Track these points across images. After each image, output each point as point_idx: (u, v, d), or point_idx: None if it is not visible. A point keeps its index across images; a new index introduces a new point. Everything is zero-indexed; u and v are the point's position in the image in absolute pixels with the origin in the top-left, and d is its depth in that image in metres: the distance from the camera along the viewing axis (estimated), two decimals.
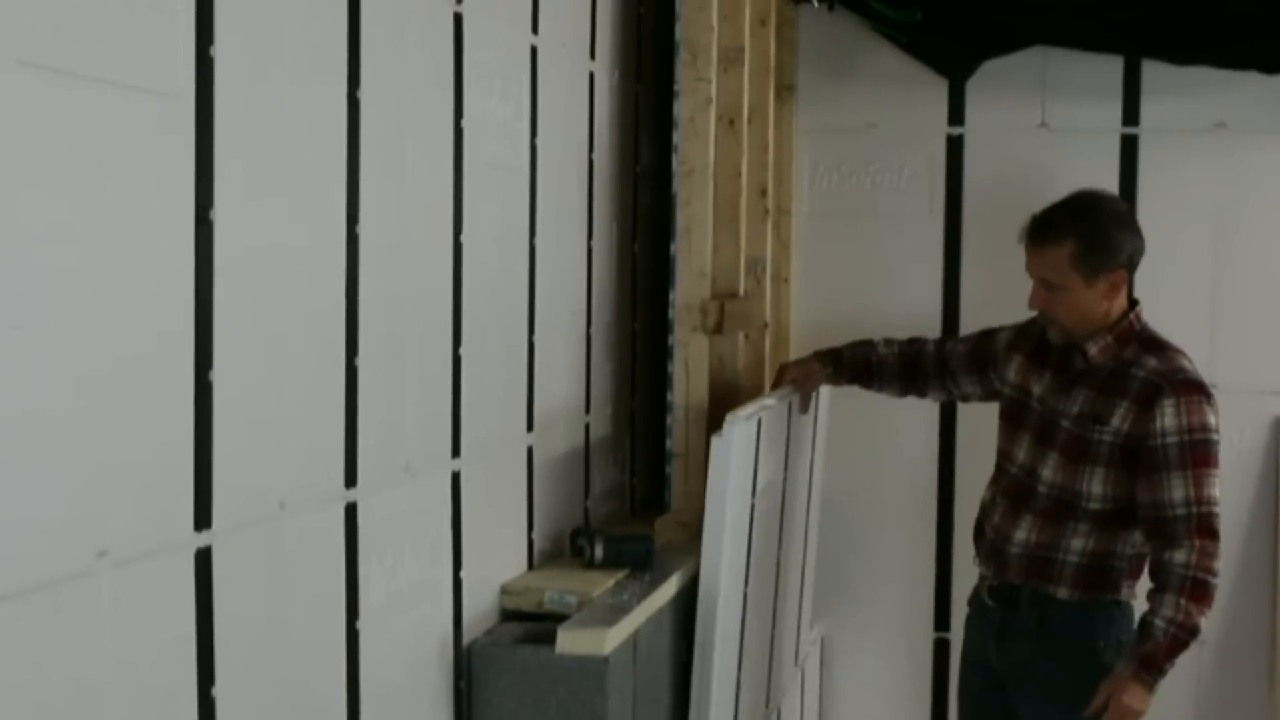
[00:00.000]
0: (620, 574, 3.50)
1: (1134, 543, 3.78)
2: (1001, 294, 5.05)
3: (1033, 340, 3.94)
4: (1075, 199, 3.82)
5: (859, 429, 5.14)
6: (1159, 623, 3.59)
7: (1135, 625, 3.72)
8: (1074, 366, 3.81)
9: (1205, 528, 3.64)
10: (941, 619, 5.16)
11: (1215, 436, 3.69)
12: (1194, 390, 3.68)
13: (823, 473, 5.03)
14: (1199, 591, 3.61)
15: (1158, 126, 4.96)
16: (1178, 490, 3.64)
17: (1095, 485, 3.74)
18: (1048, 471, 3.80)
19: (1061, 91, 5.00)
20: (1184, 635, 3.61)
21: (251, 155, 2.31)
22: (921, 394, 4.32)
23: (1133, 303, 3.83)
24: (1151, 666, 3.60)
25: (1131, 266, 3.80)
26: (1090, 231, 3.73)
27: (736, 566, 3.90)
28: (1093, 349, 3.76)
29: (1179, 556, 3.61)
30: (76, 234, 1.93)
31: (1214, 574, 3.64)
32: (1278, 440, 4.95)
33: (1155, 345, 3.77)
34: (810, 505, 4.89)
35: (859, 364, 4.26)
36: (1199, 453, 3.66)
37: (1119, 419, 3.69)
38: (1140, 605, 3.71)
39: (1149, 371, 3.70)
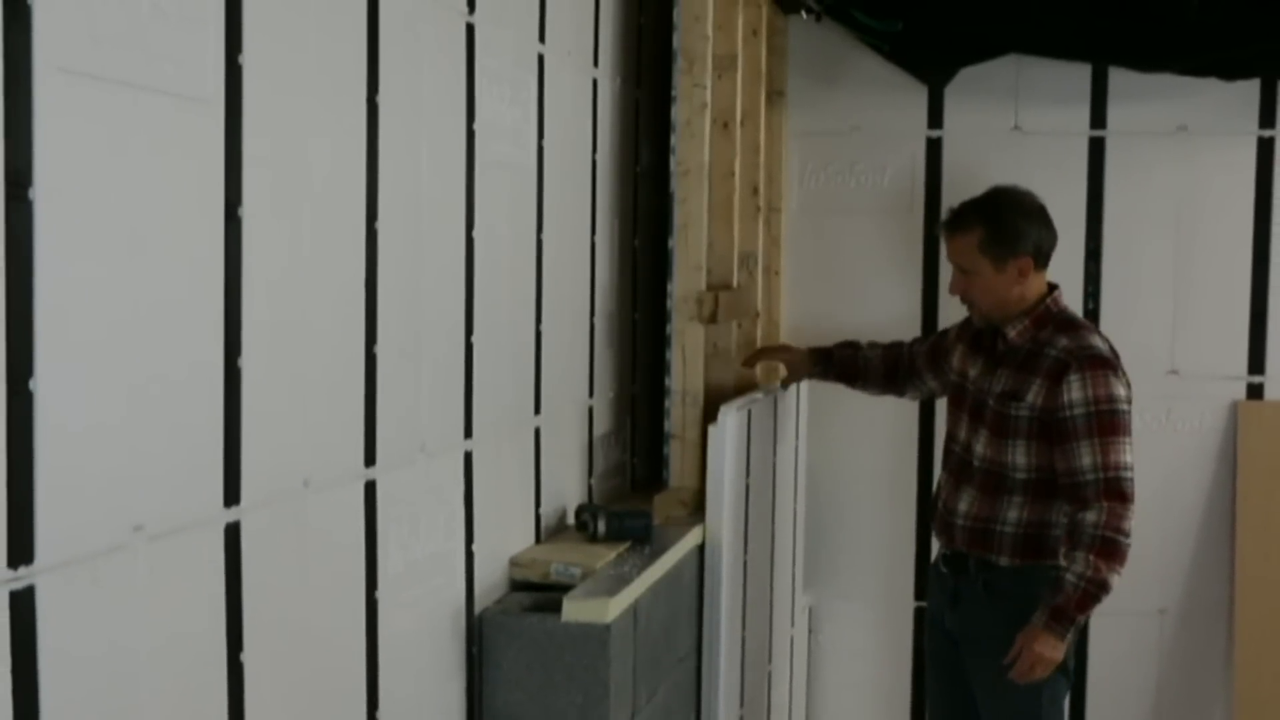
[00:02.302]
0: (621, 547, 3.50)
1: (1066, 511, 3.80)
2: None
3: (972, 330, 4.06)
4: (987, 193, 3.99)
5: (844, 415, 5.14)
6: (1070, 578, 3.67)
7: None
8: (998, 349, 3.92)
9: (1114, 491, 3.72)
10: (921, 588, 5.16)
11: (1122, 406, 3.77)
12: (1099, 365, 3.77)
13: (807, 456, 5.05)
14: (1108, 549, 3.68)
15: (1123, 129, 4.96)
16: (1086, 457, 3.72)
17: (1019, 457, 3.83)
18: (979, 447, 3.91)
19: (1033, 97, 5.00)
20: (1093, 590, 3.69)
21: (277, 156, 2.30)
22: (900, 393, 4.48)
23: (1051, 287, 3.92)
24: (1062, 618, 3.70)
25: (1038, 254, 3.91)
26: (995, 221, 3.89)
27: (736, 537, 3.93)
28: (1011, 332, 3.88)
29: (1089, 517, 3.69)
30: (113, 229, 1.92)
31: (1123, 533, 3.71)
32: (1234, 422, 4.95)
33: (1069, 326, 3.88)
34: (797, 485, 4.91)
35: (846, 364, 4.46)
36: (1105, 422, 3.74)
37: (1033, 395, 3.79)
38: None
39: (1059, 350, 3.80)
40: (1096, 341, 3.84)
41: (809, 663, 5.21)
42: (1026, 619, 3.74)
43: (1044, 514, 3.83)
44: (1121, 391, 3.77)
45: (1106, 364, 3.78)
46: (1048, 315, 3.88)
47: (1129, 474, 3.74)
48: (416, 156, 2.80)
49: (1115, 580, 3.71)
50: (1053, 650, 3.71)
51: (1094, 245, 4.98)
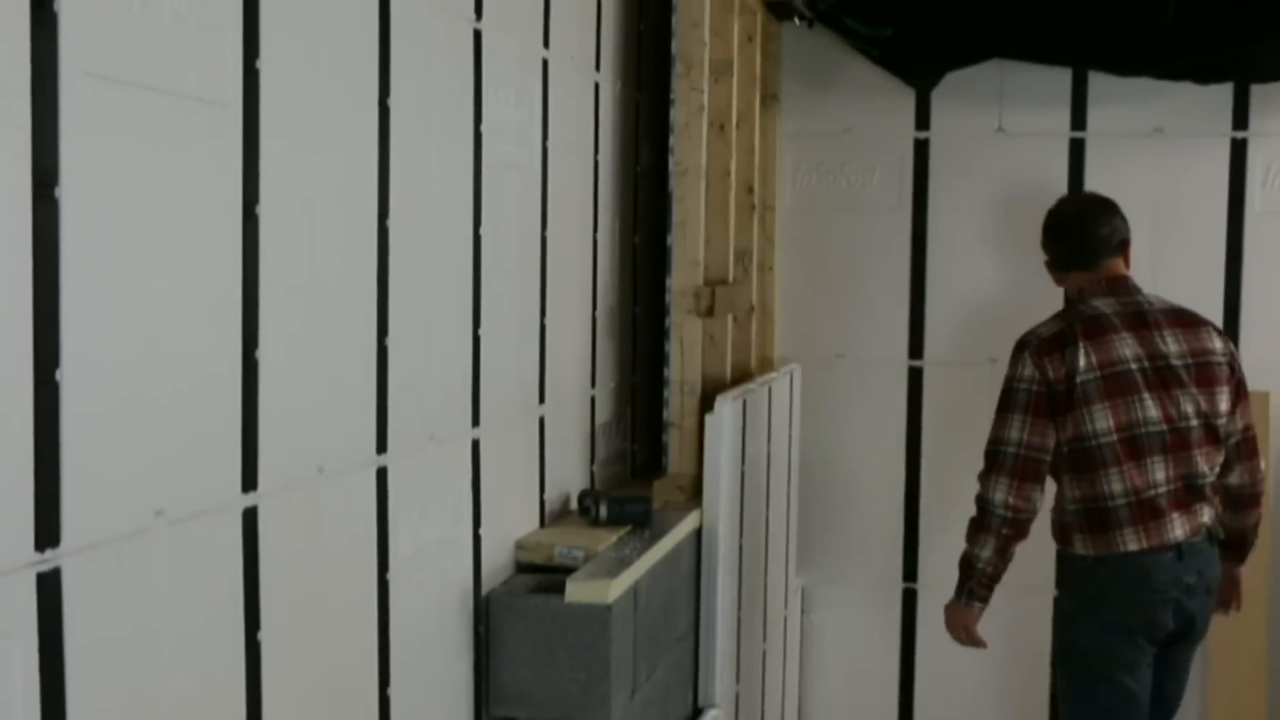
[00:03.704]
0: (622, 531, 3.50)
1: (1071, 497, 3.78)
2: (963, 281, 5.07)
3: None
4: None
5: (836, 405, 5.15)
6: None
7: (1099, 579, 3.75)
8: None
9: (988, 463, 3.82)
10: (909, 571, 5.17)
11: (1020, 385, 3.80)
12: (1015, 349, 3.87)
13: (800, 444, 5.05)
14: (972, 522, 3.84)
15: (1102, 131, 4.96)
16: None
17: None
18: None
19: (1016, 100, 4.99)
20: (962, 561, 3.87)
21: (293, 156, 2.30)
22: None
23: (1080, 291, 3.94)
24: (957, 588, 3.93)
25: (1058, 264, 4.03)
26: (1042, 233, 4.07)
27: (732, 521, 3.93)
28: None
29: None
30: (135, 227, 1.92)
31: (985, 504, 3.81)
32: None
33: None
34: (791, 472, 4.91)
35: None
36: (1003, 398, 3.84)
37: None
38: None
39: None
40: (1041, 327, 3.87)
41: (802, 642, 5.21)
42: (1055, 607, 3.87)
43: (1058, 499, 3.87)
44: (1024, 370, 3.79)
45: (1020, 347, 3.85)
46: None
47: (1006, 448, 3.78)
48: (426, 157, 2.80)
49: (982, 552, 3.83)
50: (954, 613, 3.99)
51: None
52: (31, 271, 1.73)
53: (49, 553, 1.77)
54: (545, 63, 3.47)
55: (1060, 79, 4.95)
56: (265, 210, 2.21)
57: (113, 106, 1.86)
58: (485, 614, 3.08)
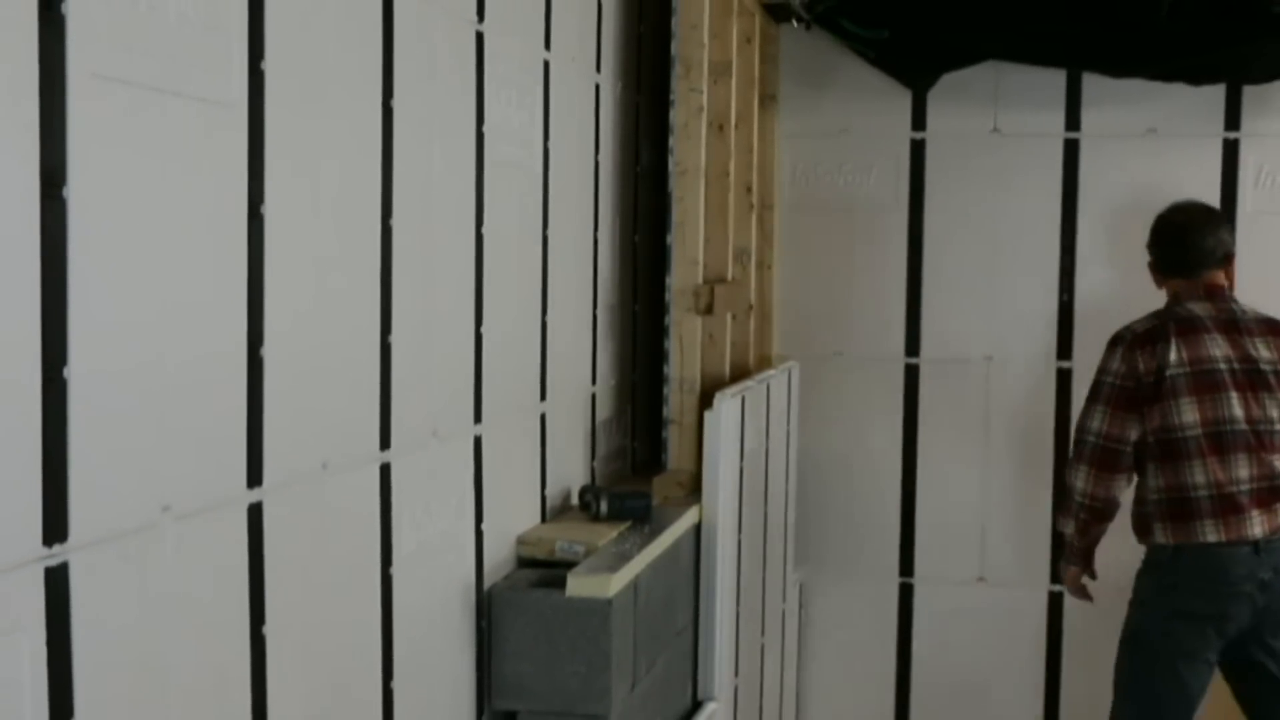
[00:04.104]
0: (623, 526, 3.50)
1: (1155, 486, 3.88)
2: (959, 279, 5.07)
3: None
4: None
5: (833, 403, 5.15)
6: None
7: (1176, 568, 3.86)
8: None
9: (1074, 450, 3.97)
10: (906, 565, 5.17)
11: (1106, 378, 3.92)
12: (1109, 343, 3.98)
13: (798, 441, 5.05)
14: (1061, 502, 4.03)
15: (1096, 132, 4.96)
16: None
17: None
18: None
19: (1011, 101, 4.99)
20: (1064, 538, 4.12)
21: (297, 156, 2.30)
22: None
23: (1175, 295, 4.06)
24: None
25: (1160, 268, 4.14)
26: (1149, 234, 4.20)
27: (731, 517, 3.93)
28: None
29: None
30: (142, 226, 1.92)
31: (1068, 489, 3.98)
32: None
33: None
34: (788, 468, 4.91)
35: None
36: (1091, 389, 3.96)
37: None
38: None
39: None
40: (1135, 323, 3.98)
41: (799, 635, 5.21)
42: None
43: (1140, 490, 3.98)
44: (1113, 365, 3.90)
45: (1114, 341, 3.96)
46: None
47: (1091, 438, 3.90)
48: (429, 157, 2.80)
49: (1068, 528, 4.04)
50: (1065, 577, 4.22)
51: (1068, 240, 4.98)
52: (39, 270, 1.73)
53: (57, 548, 1.77)
54: (546, 64, 3.47)
55: (1055, 80, 4.95)
56: (270, 210, 2.21)
57: (119, 107, 1.86)
58: (487, 608, 3.08)
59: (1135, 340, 3.91)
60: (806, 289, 5.14)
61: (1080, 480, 3.92)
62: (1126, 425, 3.87)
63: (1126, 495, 4.02)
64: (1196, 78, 4.81)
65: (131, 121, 1.89)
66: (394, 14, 2.61)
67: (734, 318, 4.46)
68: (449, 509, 2.94)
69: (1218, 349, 3.87)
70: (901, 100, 5.07)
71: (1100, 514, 3.97)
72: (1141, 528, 3.94)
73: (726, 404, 3.82)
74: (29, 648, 1.73)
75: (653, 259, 4.33)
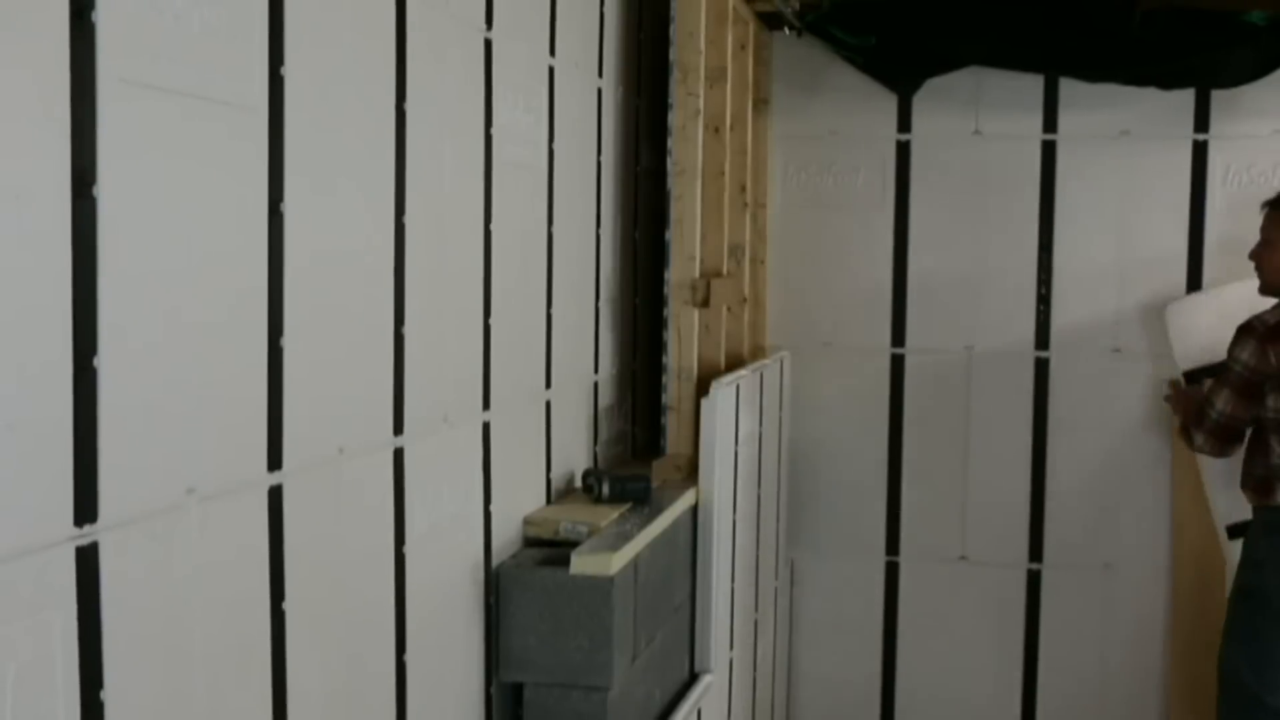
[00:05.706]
0: (624, 507, 3.50)
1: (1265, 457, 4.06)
2: (942, 273, 5.07)
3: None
4: None
5: (824, 389, 5.15)
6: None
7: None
8: None
9: (1197, 415, 4.13)
10: (892, 545, 5.17)
11: (1236, 366, 4.02)
12: (1241, 330, 4.04)
13: (790, 426, 5.05)
14: (1193, 438, 4.19)
15: (1073, 134, 4.95)
16: None
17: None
18: None
19: (992, 104, 4.98)
20: (1196, 414, 4.17)
21: (315, 157, 2.29)
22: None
23: None
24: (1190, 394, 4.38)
25: None
26: (1270, 208, 4.14)
27: (726, 499, 3.93)
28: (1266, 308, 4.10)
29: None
30: (167, 223, 1.92)
31: (1188, 443, 4.23)
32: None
33: None
34: (781, 452, 4.91)
35: None
36: (1222, 373, 4.09)
37: None
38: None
39: None
40: (1266, 313, 4.03)
41: (791, 612, 5.22)
42: None
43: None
44: (1244, 355, 3.99)
45: (1246, 330, 4.02)
46: None
47: (1214, 415, 4.07)
48: (440, 157, 2.79)
49: (1197, 440, 4.17)
50: (1174, 405, 4.51)
51: (1046, 238, 4.97)
52: (71, 265, 1.73)
53: (87, 528, 1.77)
54: (551, 69, 3.46)
55: (1033, 85, 4.94)
56: (289, 208, 2.20)
57: (147, 110, 1.86)
58: (495, 585, 3.08)
59: (1267, 332, 3.99)
60: (797, 283, 5.14)
61: (1199, 441, 4.14)
62: (1247, 408, 4.03)
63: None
64: (1167, 83, 4.80)
65: (158, 124, 1.89)
66: (406, 21, 2.60)
67: (729, 310, 4.45)
68: (459, 491, 2.94)
69: None
70: (887, 104, 5.06)
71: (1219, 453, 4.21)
72: (1262, 489, 4.06)
73: (722, 391, 3.82)
74: (60, 624, 1.73)
75: (652, 254, 4.33)
